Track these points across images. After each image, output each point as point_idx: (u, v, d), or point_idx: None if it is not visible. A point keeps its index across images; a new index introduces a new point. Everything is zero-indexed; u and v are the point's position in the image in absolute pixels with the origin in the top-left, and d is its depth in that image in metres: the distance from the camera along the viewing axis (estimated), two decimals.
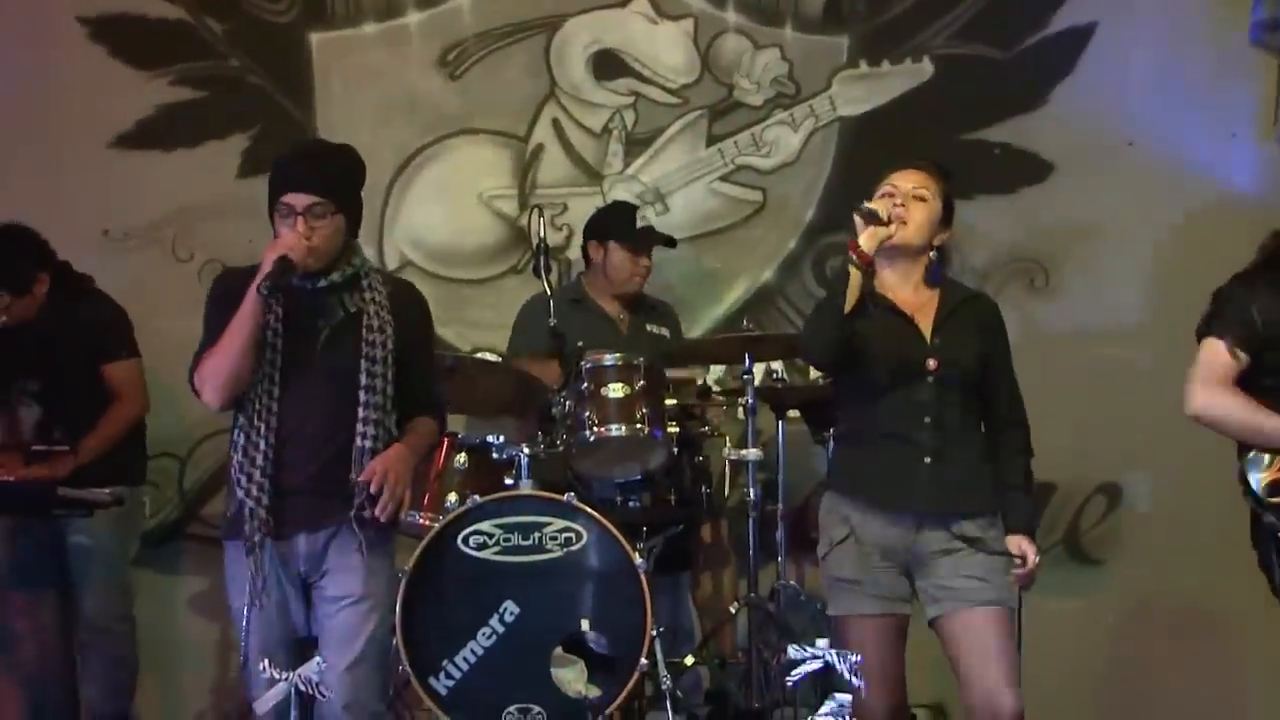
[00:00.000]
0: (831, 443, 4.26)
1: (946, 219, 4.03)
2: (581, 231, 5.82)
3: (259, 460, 3.87)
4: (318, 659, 3.27)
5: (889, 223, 3.85)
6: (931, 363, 3.92)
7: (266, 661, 3.28)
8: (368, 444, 3.93)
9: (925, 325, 3.97)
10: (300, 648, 3.90)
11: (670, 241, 5.81)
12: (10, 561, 5.41)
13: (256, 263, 3.91)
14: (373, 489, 3.91)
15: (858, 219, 3.85)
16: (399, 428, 4.07)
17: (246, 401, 3.92)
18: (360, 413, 3.92)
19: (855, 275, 3.81)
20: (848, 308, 3.81)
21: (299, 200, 3.89)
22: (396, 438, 4.03)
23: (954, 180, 4.07)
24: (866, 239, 3.81)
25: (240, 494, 3.90)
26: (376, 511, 3.92)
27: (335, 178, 4.00)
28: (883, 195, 3.95)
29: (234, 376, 3.88)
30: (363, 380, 3.93)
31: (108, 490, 5.10)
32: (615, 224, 5.71)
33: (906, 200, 3.92)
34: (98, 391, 5.34)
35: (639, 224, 5.77)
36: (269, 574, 3.89)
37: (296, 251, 3.84)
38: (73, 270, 5.42)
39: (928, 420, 3.91)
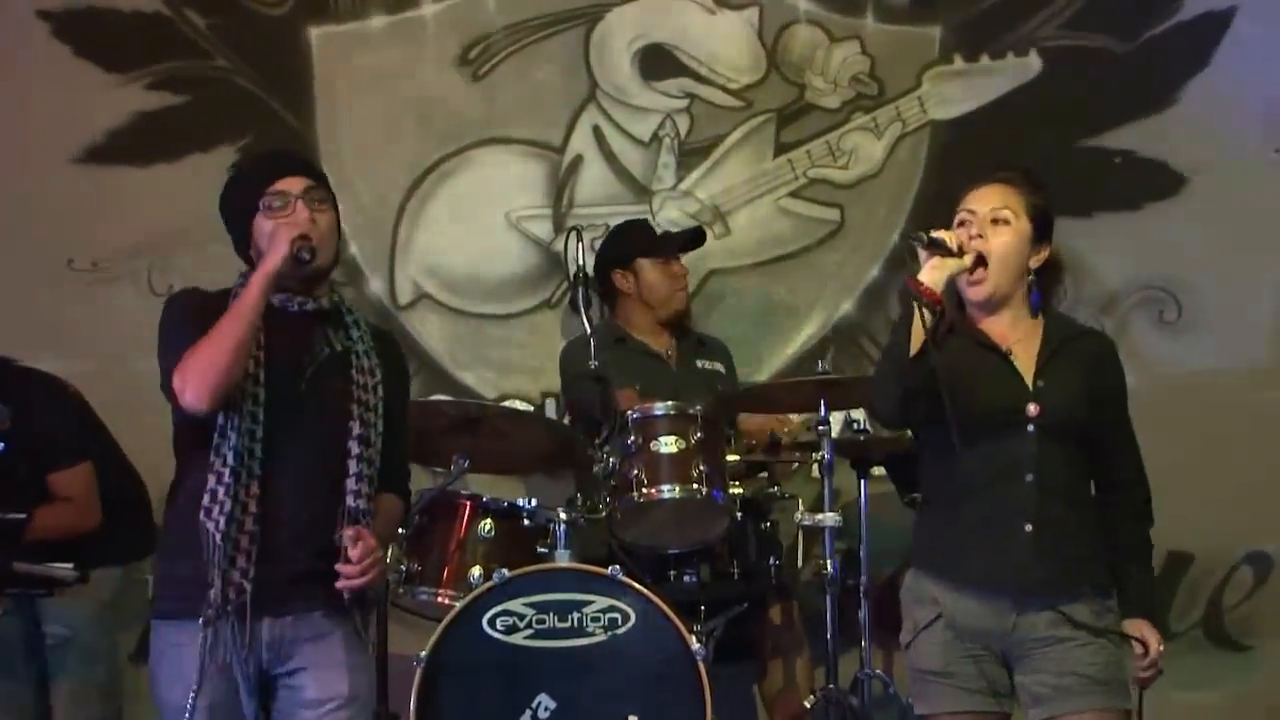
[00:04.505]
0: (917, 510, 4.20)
1: (1042, 234, 3.94)
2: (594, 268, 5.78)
3: (239, 514, 3.75)
4: None
5: (960, 253, 3.78)
6: (1032, 408, 3.85)
7: None
8: (361, 504, 3.85)
9: (1025, 363, 3.89)
10: None
11: (699, 235, 5.82)
12: None
13: (227, 287, 3.92)
14: (356, 558, 3.77)
15: (918, 249, 3.79)
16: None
17: (220, 442, 3.79)
18: (352, 467, 3.86)
19: (920, 315, 3.73)
20: (912, 352, 3.74)
21: (295, 184, 3.92)
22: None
23: (1045, 188, 3.98)
24: (931, 272, 3.74)
25: (205, 556, 3.73)
26: (340, 582, 3.78)
27: (320, 171, 4.06)
28: (959, 225, 3.89)
29: (228, 371, 3.73)
30: (355, 429, 3.88)
31: (71, 565, 5.06)
32: (634, 241, 5.82)
33: (983, 227, 3.85)
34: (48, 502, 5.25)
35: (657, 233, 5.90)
36: (220, 661, 3.76)
37: (313, 231, 3.86)
38: (7, 368, 5.36)
39: (1029, 478, 3.83)
